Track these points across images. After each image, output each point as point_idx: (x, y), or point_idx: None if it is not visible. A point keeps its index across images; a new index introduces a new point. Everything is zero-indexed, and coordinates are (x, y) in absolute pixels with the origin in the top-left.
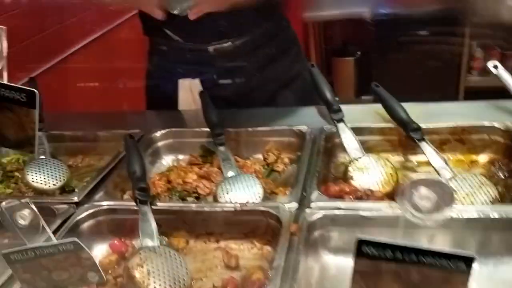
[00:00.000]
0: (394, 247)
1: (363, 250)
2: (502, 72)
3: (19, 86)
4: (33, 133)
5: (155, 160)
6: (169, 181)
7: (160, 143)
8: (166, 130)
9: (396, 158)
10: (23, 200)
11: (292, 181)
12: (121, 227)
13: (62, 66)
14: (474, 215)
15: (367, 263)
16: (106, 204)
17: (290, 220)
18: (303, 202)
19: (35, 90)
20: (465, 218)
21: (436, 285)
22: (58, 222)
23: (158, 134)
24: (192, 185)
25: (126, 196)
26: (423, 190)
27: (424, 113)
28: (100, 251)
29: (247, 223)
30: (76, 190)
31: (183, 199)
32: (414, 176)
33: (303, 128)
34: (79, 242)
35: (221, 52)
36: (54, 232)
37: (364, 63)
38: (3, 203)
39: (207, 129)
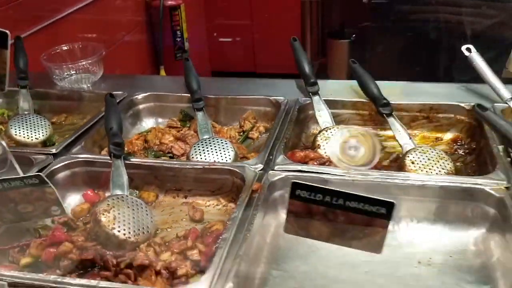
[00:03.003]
0: (324, 191)
1: (297, 193)
2: (475, 55)
3: None
4: (4, 72)
5: (135, 122)
6: (146, 141)
7: (141, 106)
8: (148, 93)
9: None
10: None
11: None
12: (96, 180)
13: (52, 29)
14: (424, 183)
15: (300, 204)
16: (82, 156)
17: (254, 179)
18: (269, 165)
19: (7, 31)
20: (416, 185)
21: (361, 227)
22: (35, 170)
23: (139, 96)
24: (168, 146)
25: (104, 153)
26: (353, 141)
27: (403, 92)
28: (73, 201)
29: (215, 181)
30: (56, 143)
31: (157, 158)
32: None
33: (280, 98)
34: (43, 176)
35: None
36: None
37: (358, 46)
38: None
39: (188, 95)
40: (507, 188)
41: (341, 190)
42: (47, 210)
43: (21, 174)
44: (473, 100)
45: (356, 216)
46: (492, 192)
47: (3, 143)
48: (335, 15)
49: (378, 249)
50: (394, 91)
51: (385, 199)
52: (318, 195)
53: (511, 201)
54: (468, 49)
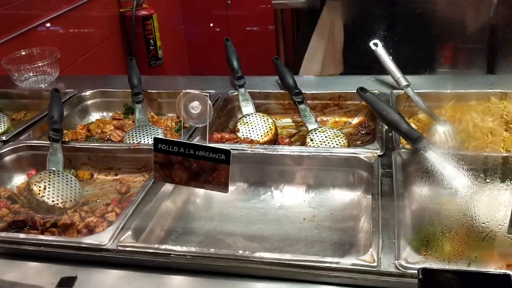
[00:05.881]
0: (178, 143)
1: (159, 146)
2: (380, 49)
3: None
4: None
5: (84, 116)
6: (89, 130)
7: (89, 102)
8: (96, 90)
9: (287, 119)
10: None
11: None
12: (39, 162)
13: (25, 38)
14: (312, 153)
15: (162, 156)
16: (27, 142)
17: None
18: None
19: None
20: (304, 156)
21: (209, 172)
22: None
23: (88, 93)
24: (107, 134)
25: None
26: (195, 103)
27: (321, 84)
28: (20, 180)
29: (140, 159)
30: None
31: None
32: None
33: (211, 91)
34: None
35: None
36: None
37: None
38: None
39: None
40: (380, 156)
41: (191, 143)
42: None
43: None
44: (377, 88)
45: (205, 163)
46: (365, 159)
47: None
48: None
49: (225, 189)
50: (314, 83)
51: (223, 148)
52: (174, 147)
53: (378, 165)
54: (375, 44)
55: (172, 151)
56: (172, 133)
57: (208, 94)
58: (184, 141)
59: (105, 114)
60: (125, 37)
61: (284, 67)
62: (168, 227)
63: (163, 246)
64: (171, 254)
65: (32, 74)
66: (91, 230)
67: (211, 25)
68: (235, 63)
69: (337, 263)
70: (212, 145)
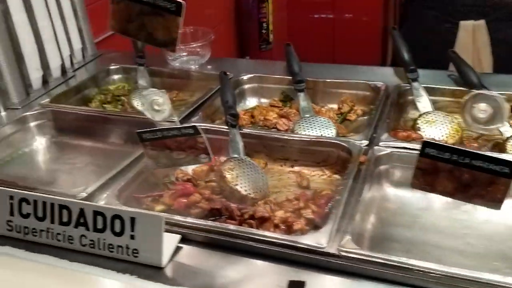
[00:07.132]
0: (452, 150)
1: (426, 151)
2: None
3: None
4: (176, 36)
5: (240, 100)
6: (252, 116)
7: (246, 86)
8: (253, 74)
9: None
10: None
11: (363, 129)
12: (212, 146)
13: None
14: None
15: (428, 162)
16: (202, 125)
17: (360, 152)
18: (373, 141)
19: (183, 2)
20: None
21: (484, 185)
22: None
23: (245, 77)
24: (272, 122)
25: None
26: (482, 105)
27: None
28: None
29: (320, 153)
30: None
31: None
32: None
33: (379, 83)
34: (198, 127)
35: None
36: None
37: None
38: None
39: (289, 77)
40: None
41: (467, 149)
42: (196, 157)
43: (178, 124)
44: None
45: (480, 175)
46: None
47: (167, 96)
48: None
49: (497, 206)
50: (496, 81)
51: (509, 159)
52: (446, 153)
53: None
54: None
55: (442, 157)
56: (337, 125)
57: (503, 96)
58: (459, 147)
59: (262, 100)
60: (237, 18)
61: (462, 60)
62: (371, 234)
63: (398, 258)
64: (409, 267)
65: (184, 54)
66: (289, 226)
67: (316, 11)
68: (405, 55)
69: None
70: (493, 154)
